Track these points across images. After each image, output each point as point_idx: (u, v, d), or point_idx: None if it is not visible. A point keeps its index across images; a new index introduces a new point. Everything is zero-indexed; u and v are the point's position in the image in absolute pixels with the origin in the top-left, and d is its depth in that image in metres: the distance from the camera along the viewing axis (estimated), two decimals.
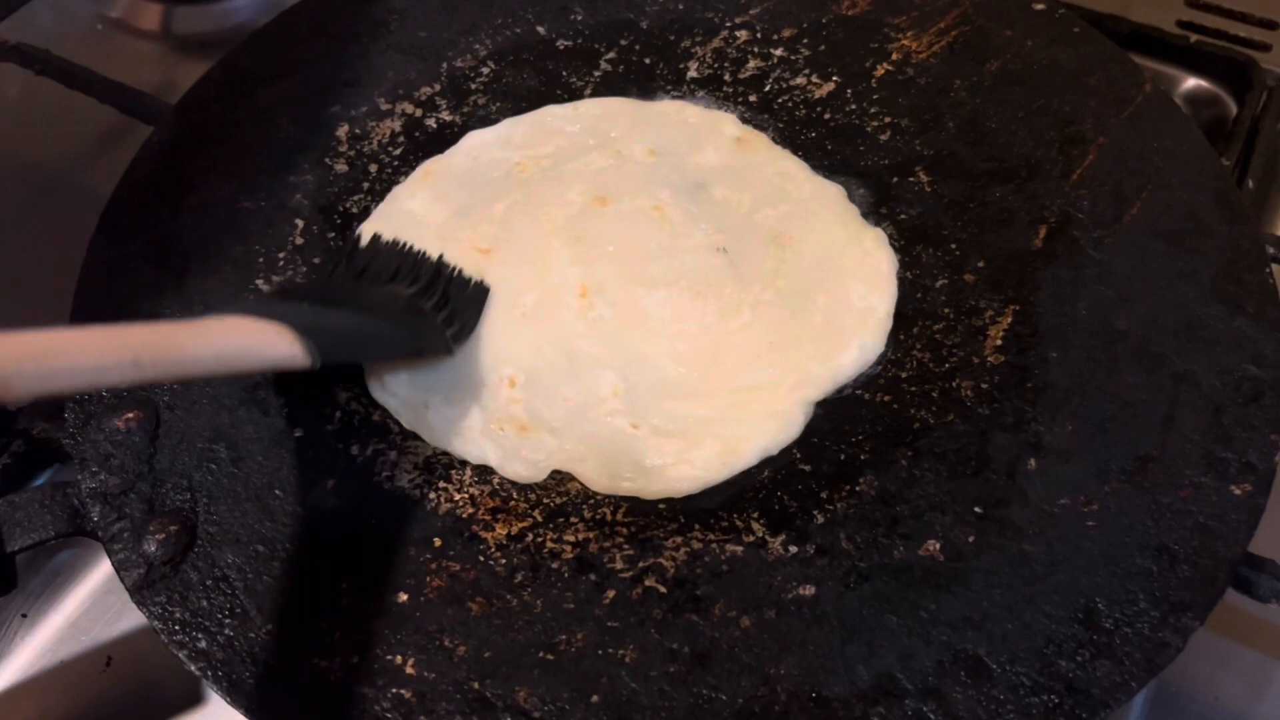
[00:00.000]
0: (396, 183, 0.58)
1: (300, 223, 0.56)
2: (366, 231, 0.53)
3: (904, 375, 0.50)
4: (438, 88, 0.63)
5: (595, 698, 0.40)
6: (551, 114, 0.60)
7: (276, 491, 0.46)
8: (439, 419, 0.48)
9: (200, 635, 0.42)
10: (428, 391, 0.48)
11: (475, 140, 0.59)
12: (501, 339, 0.50)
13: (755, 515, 0.45)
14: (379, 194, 0.57)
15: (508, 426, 0.48)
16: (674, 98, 0.61)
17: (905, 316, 0.52)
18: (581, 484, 0.47)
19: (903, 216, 0.55)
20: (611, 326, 0.50)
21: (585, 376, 0.48)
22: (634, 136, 0.58)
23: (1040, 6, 0.63)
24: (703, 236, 0.53)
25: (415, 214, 0.55)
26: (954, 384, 0.49)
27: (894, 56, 0.63)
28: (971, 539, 0.44)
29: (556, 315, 0.50)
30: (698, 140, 0.58)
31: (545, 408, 0.48)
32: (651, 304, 0.50)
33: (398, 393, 0.49)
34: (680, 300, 0.51)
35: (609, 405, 0.48)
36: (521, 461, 0.47)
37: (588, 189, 0.55)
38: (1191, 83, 0.72)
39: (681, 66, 0.63)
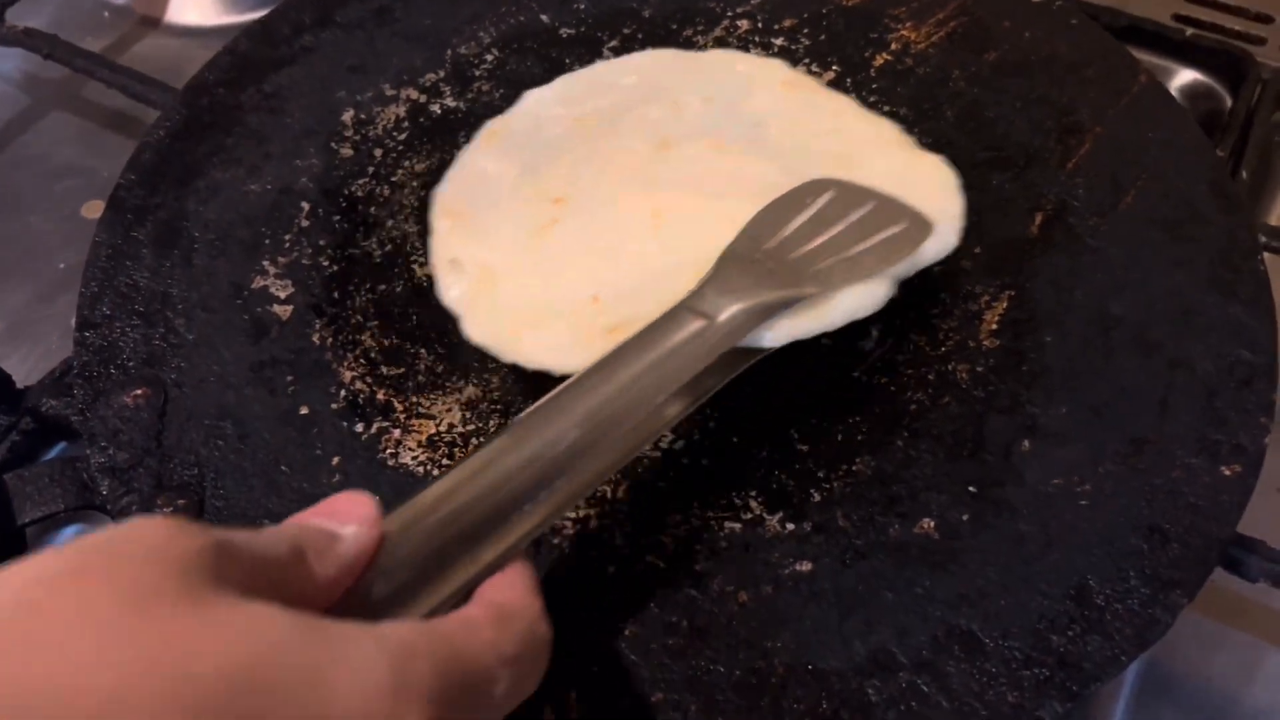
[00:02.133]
0: (401, 167, 0.59)
1: (306, 206, 0.57)
2: (442, 195, 0.55)
3: (901, 359, 0.50)
4: (442, 74, 0.63)
5: (595, 669, 0.41)
6: (605, 68, 0.61)
7: (282, 468, 0.47)
8: (533, 346, 0.49)
9: None
10: (518, 324, 0.50)
11: (534, 99, 0.60)
12: (581, 270, 0.51)
13: (753, 493, 0.46)
14: (384, 178, 0.58)
15: (596, 335, 0.49)
16: None
17: (902, 301, 0.52)
18: None
19: None
20: (684, 236, 0.51)
21: (665, 284, 0.48)
22: (686, 86, 0.59)
23: None
24: (766, 165, 0.53)
25: (485, 171, 0.56)
26: (950, 367, 0.50)
27: (893, 46, 0.63)
28: (966, 518, 0.45)
29: (632, 239, 0.52)
30: (749, 86, 0.59)
31: (630, 311, 0.49)
32: (722, 211, 0.51)
33: (490, 328, 0.50)
34: (751, 205, 0.51)
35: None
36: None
37: (649, 136, 0.56)
38: (1187, 75, 0.73)
39: None
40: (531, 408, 0.40)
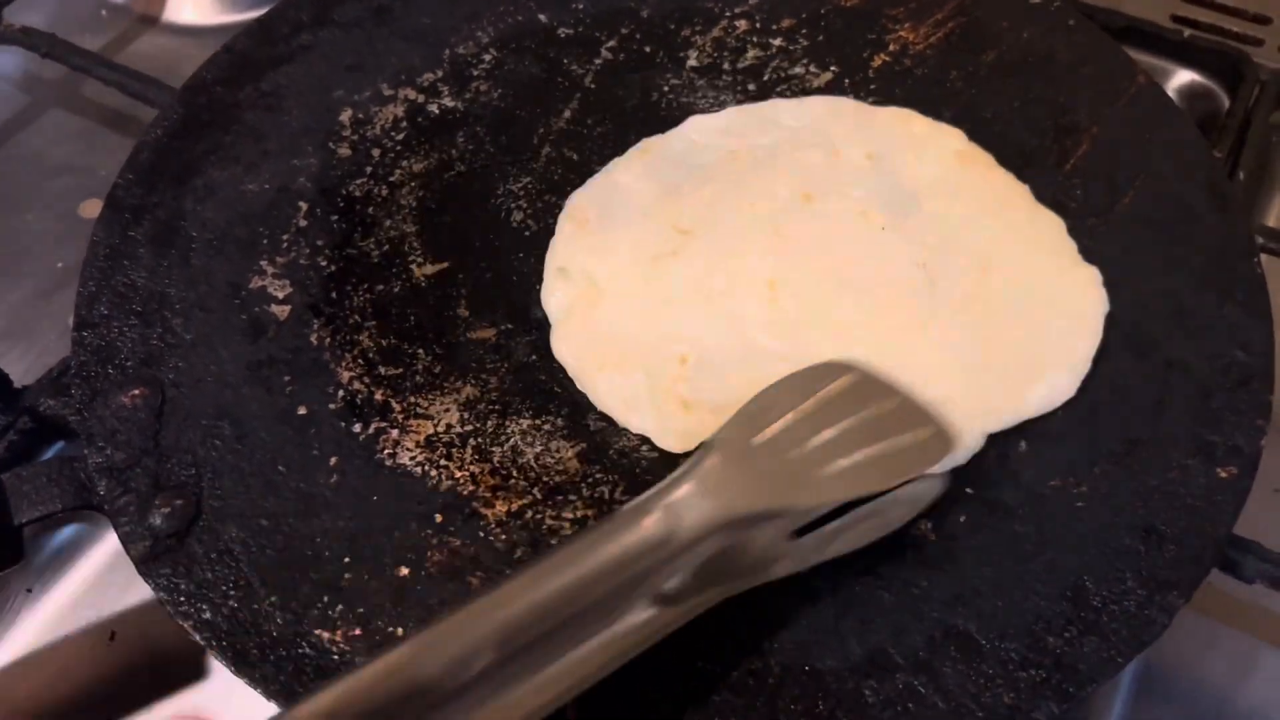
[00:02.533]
0: (399, 167, 0.59)
1: (304, 205, 0.57)
2: (575, 202, 0.55)
3: None
4: (440, 74, 0.63)
5: None
6: (778, 107, 0.60)
7: (280, 468, 0.47)
8: (608, 383, 0.49)
9: (205, 607, 0.43)
10: (602, 355, 0.50)
11: (697, 124, 0.59)
12: (682, 316, 0.51)
13: None
14: (382, 178, 0.58)
15: (671, 403, 0.48)
16: (673, 86, 0.62)
17: None
18: (580, 464, 0.48)
19: None
20: (793, 322, 0.50)
21: (757, 366, 0.46)
22: (855, 138, 0.57)
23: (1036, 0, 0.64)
24: (904, 247, 0.52)
25: (625, 186, 0.56)
26: None
27: (891, 47, 0.63)
28: (963, 519, 0.45)
29: (740, 302, 0.51)
30: (919, 149, 0.57)
31: (711, 389, 0.48)
32: (838, 307, 0.50)
33: (576, 349, 0.50)
34: (868, 307, 0.50)
35: None
36: (676, 435, 0.48)
37: (798, 184, 0.55)
38: (1185, 76, 0.73)
39: (681, 55, 0.64)
40: (442, 616, 0.35)
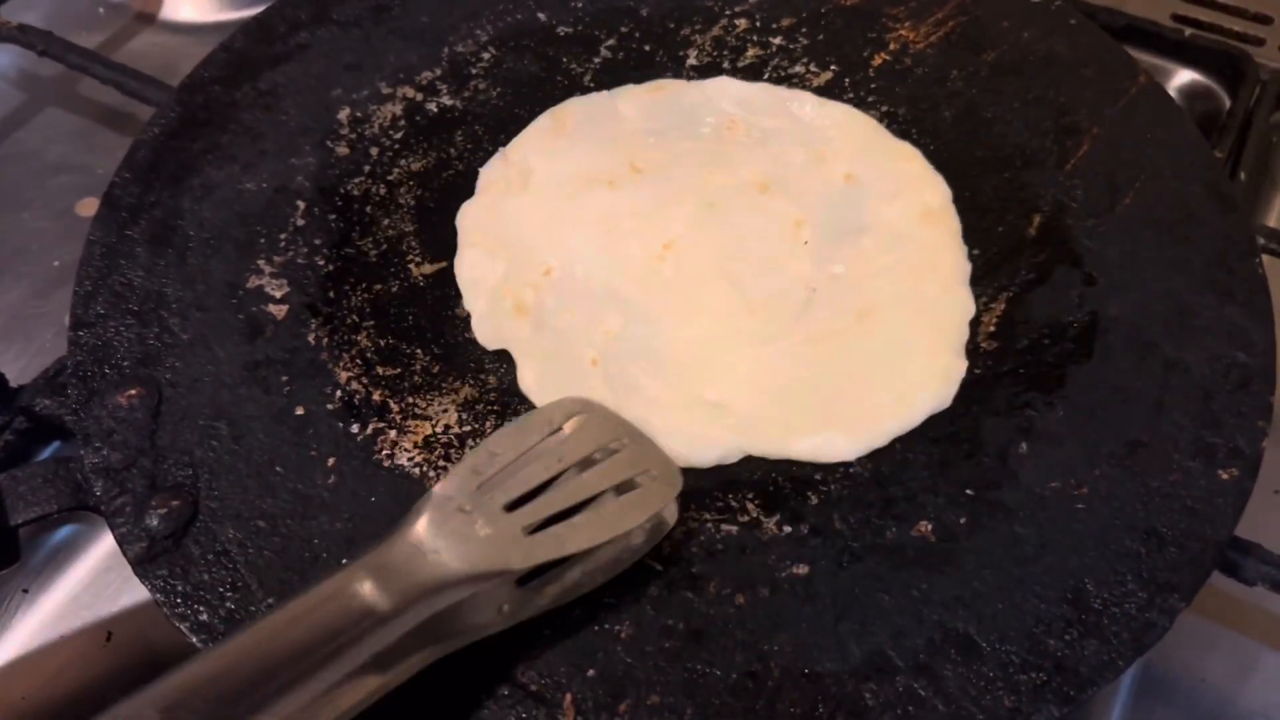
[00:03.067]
0: (398, 166, 0.58)
1: (302, 204, 0.56)
2: (568, 107, 0.59)
3: None
4: (439, 72, 0.63)
5: (591, 672, 0.41)
6: (804, 100, 0.60)
7: (277, 468, 0.47)
8: (472, 258, 0.53)
9: (202, 608, 0.43)
10: (486, 233, 0.54)
11: (722, 84, 0.61)
12: (574, 238, 0.53)
13: (750, 496, 0.46)
14: (380, 177, 0.58)
15: (509, 299, 0.51)
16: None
17: None
18: None
19: None
20: (662, 283, 0.52)
21: (600, 307, 0.48)
22: (847, 155, 0.57)
23: None
24: (808, 267, 0.52)
25: (618, 112, 0.59)
26: None
27: (891, 46, 0.63)
28: (963, 520, 0.45)
29: (630, 249, 0.53)
30: (895, 191, 0.56)
31: (550, 308, 0.51)
32: (709, 291, 0.51)
33: (469, 222, 0.55)
34: (734, 304, 0.51)
35: (593, 341, 0.50)
36: (492, 327, 0.51)
37: (762, 173, 0.56)
38: (1186, 76, 0.72)
39: (681, 54, 0.63)
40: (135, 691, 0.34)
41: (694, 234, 0.53)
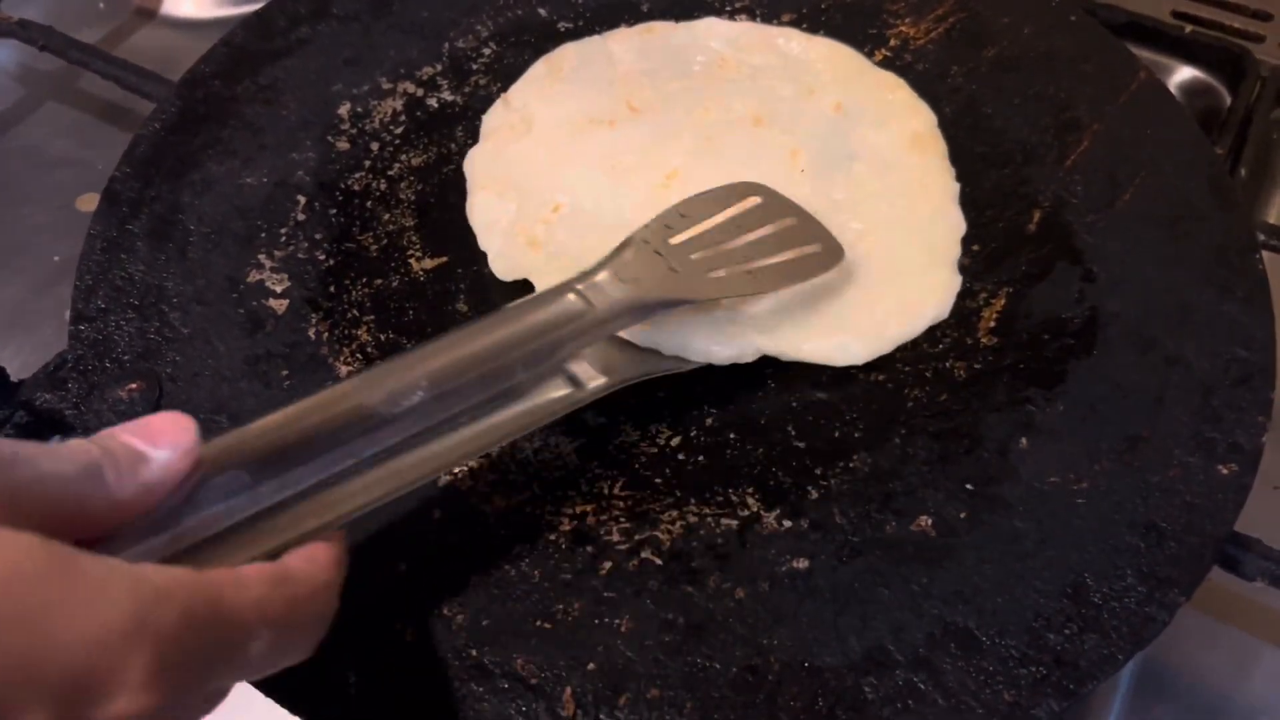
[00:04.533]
0: (398, 161, 0.58)
1: (302, 199, 0.56)
2: (562, 51, 0.61)
3: (898, 355, 0.50)
4: (439, 68, 0.63)
5: (591, 665, 0.41)
6: (790, 36, 0.63)
7: None
8: (483, 201, 0.55)
9: None
10: (494, 178, 0.55)
11: (709, 24, 0.63)
12: (580, 174, 0.55)
13: (750, 490, 0.46)
14: (380, 172, 0.58)
15: (523, 236, 0.53)
16: None
17: None
18: (578, 459, 0.47)
19: None
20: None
21: (611, 233, 0.49)
22: (834, 87, 0.60)
23: None
24: (806, 193, 0.53)
25: (611, 53, 0.61)
26: (947, 364, 0.50)
27: (892, 42, 0.63)
28: (963, 515, 0.45)
29: (634, 181, 0.54)
30: (884, 118, 0.58)
31: (561, 240, 0.52)
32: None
33: (477, 168, 0.57)
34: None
35: None
36: (508, 263, 0.53)
37: (755, 106, 0.58)
38: (1186, 72, 0.73)
39: None
40: (381, 361, 0.40)
41: (695, 164, 0.55)
